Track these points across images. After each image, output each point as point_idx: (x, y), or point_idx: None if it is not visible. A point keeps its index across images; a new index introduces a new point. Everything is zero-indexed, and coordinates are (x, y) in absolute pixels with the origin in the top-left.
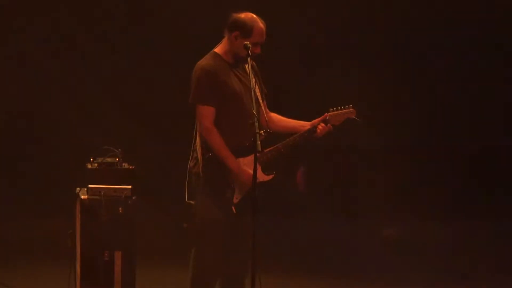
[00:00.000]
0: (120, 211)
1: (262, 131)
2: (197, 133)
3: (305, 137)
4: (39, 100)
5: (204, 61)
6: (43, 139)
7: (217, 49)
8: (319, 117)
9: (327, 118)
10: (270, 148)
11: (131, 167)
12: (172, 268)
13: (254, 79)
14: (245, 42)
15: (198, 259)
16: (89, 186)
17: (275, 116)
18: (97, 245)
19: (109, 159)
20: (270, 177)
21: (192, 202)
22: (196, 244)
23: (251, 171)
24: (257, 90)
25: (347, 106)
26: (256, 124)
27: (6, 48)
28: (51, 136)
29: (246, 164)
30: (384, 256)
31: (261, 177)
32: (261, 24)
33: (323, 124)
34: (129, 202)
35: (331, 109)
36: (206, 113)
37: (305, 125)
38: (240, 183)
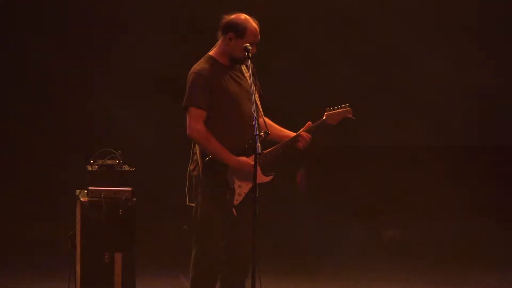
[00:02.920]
0: (120, 213)
1: (262, 133)
2: None
3: (293, 144)
4: (40, 101)
5: (198, 66)
6: (43, 140)
7: (212, 52)
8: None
9: (325, 118)
10: (269, 149)
11: (131, 169)
12: (172, 270)
13: (253, 81)
14: (245, 44)
15: (198, 261)
16: (89, 188)
17: (266, 120)
18: (97, 247)
19: (109, 161)
20: (270, 178)
21: (192, 204)
22: (196, 245)
23: (250, 161)
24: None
25: (343, 105)
26: (256, 126)
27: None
28: (52, 137)
29: (244, 166)
30: (385, 256)
31: (261, 178)
32: (254, 24)
33: (303, 134)
34: (129, 204)
35: (328, 108)
36: (196, 116)
37: (290, 134)
38: (244, 175)
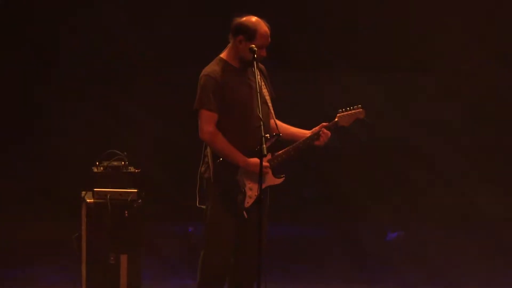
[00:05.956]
0: (126, 215)
1: (268, 135)
2: None
3: (309, 144)
4: (46, 102)
5: (209, 68)
6: (48, 141)
7: (223, 55)
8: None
9: (336, 120)
10: (281, 151)
11: (137, 170)
12: (178, 272)
13: (263, 83)
14: (251, 46)
15: (207, 263)
16: (95, 189)
17: (277, 122)
18: (103, 248)
19: (115, 163)
20: (281, 180)
21: (203, 206)
22: (205, 247)
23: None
24: (266, 93)
25: (356, 106)
26: (262, 127)
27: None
28: (57, 138)
29: (257, 167)
30: (388, 257)
31: (272, 180)
32: (265, 26)
33: (325, 131)
34: (135, 205)
35: (340, 110)
36: (208, 118)
37: (305, 133)
38: (255, 177)
